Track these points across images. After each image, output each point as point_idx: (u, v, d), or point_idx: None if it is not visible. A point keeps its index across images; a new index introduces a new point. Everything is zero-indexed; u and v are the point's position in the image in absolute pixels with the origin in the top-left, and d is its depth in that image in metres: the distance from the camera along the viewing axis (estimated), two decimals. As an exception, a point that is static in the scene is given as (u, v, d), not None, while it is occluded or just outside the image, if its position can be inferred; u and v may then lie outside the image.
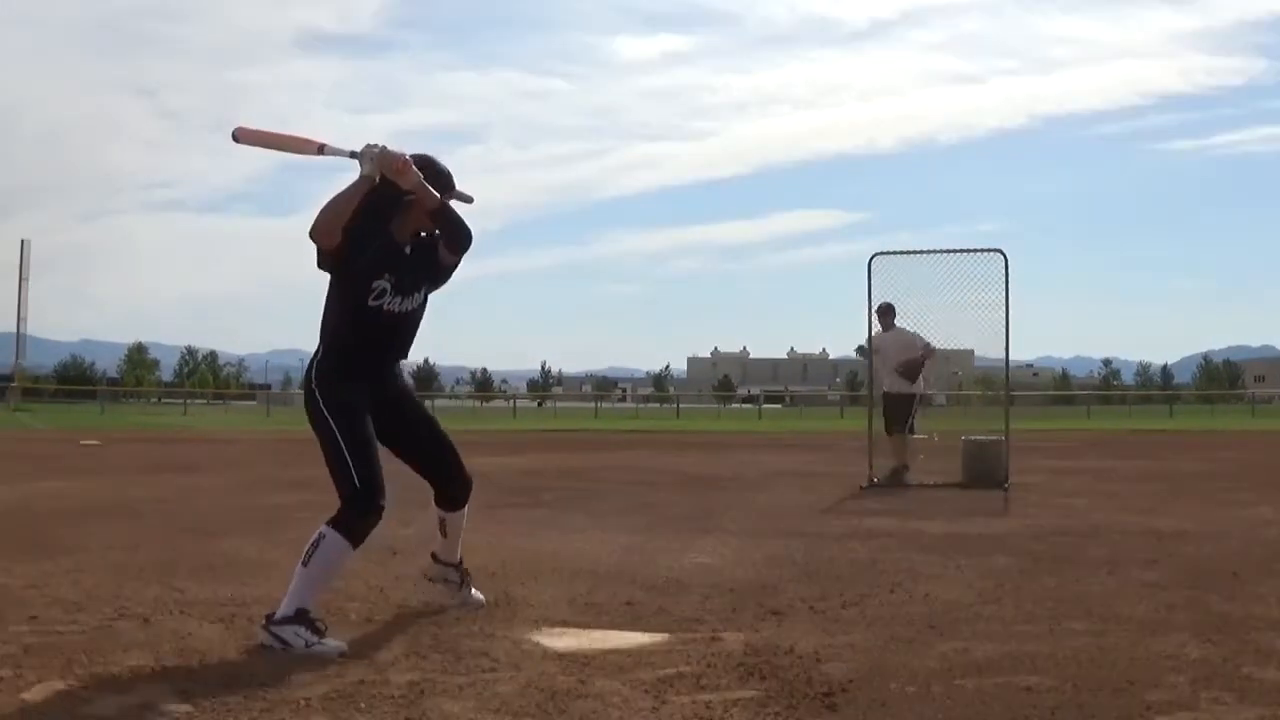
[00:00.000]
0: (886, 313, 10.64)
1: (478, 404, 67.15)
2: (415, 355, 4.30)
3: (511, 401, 61.95)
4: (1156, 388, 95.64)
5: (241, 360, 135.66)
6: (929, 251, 10.75)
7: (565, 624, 4.10)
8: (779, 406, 72.06)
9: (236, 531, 6.72)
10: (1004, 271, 10.12)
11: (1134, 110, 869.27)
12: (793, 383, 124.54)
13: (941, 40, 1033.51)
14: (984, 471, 10.09)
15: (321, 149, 3.75)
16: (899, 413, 10.57)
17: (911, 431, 10.66)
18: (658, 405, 77.55)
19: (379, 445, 3.90)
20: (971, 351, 15.84)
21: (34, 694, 3.12)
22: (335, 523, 3.73)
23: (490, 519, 7.34)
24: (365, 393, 3.90)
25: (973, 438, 10.58)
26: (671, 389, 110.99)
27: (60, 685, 3.20)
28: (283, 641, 3.60)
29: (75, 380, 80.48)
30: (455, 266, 4.04)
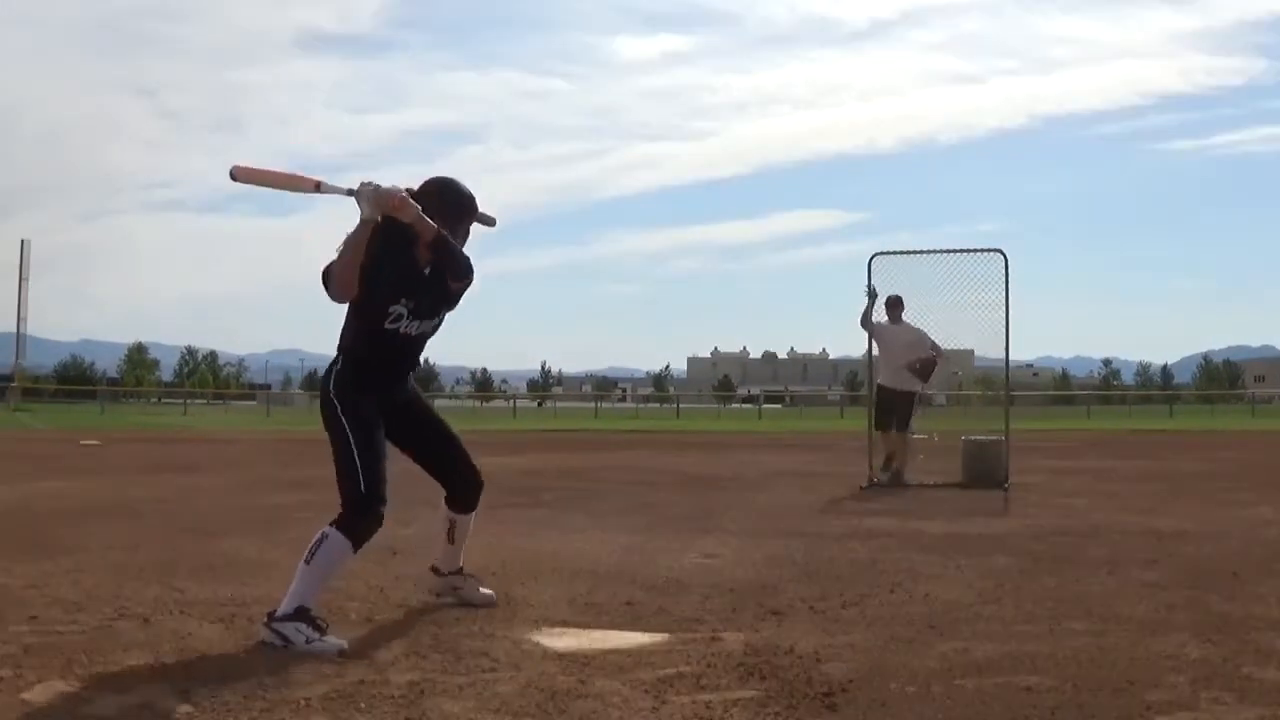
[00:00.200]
0: (895, 305, 10.55)
1: (478, 404, 67.15)
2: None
3: (511, 401, 61.96)
4: (1156, 388, 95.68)
5: (241, 360, 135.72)
6: (929, 251, 10.74)
7: (565, 624, 4.10)
8: (779, 406, 72.04)
9: (236, 531, 6.71)
10: (1004, 271, 10.11)
11: (1134, 110, 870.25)
12: (793, 383, 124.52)
13: (941, 40, 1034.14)
14: (984, 471, 10.08)
15: (318, 186, 3.77)
16: (896, 409, 10.50)
17: (909, 430, 10.63)
18: (658, 405, 77.58)
19: (390, 447, 3.98)
20: (971, 351, 15.81)
21: (34, 694, 3.12)
22: (339, 524, 3.76)
23: (490, 519, 7.32)
24: (377, 403, 3.97)
25: (973, 438, 10.57)
26: (671, 389, 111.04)
27: (60, 685, 3.20)
28: (284, 638, 3.61)
29: (75, 380, 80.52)
30: (462, 293, 4.04)
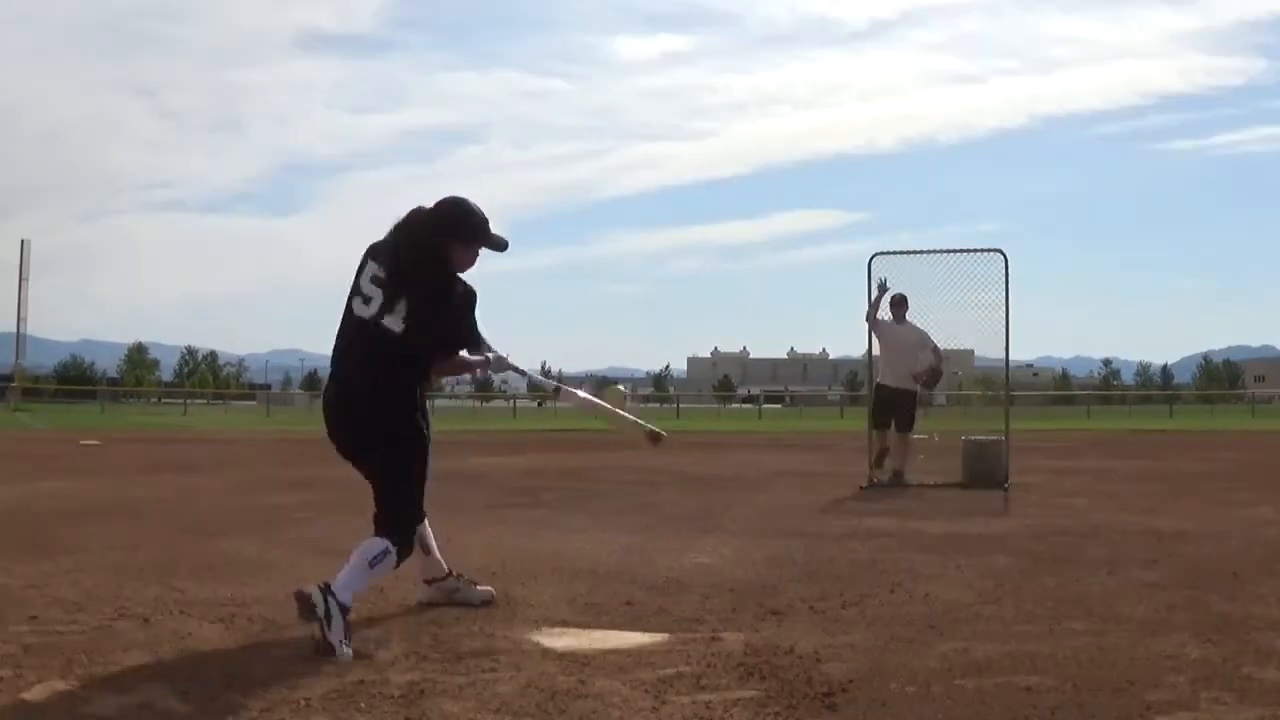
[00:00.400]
0: (900, 304, 10.54)
1: (478, 404, 67.09)
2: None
3: (511, 401, 61.92)
4: (1156, 388, 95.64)
5: (241, 360, 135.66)
6: (929, 251, 10.73)
7: (565, 624, 4.10)
8: (779, 406, 72.03)
9: (236, 531, 6.71)
10: (1004, 271, 10.10)
11: (1134, 110, 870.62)
12: (793, 383, 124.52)
13: (941, 40, 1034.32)
14: (984, 471, 10.07)
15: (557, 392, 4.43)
16: (896, 409, 10.49)
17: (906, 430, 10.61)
18: (658, 405, 77.52)
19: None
20: (971, 351, 15.83)
21: (34, 694, 3.12)
22: (398, 547, 3.88)
23: (490, 519, 7.34)
24: None
25: (973, 438, 10.56)
26: (671, 389, 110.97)
27: (60, 685, 3.20)
28: (328, 618, 3.54)
29: (75, 380, 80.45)
30: None
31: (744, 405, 73.38)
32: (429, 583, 4.41)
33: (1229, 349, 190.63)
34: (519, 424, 33.67)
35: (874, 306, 10.43)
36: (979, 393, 29.16)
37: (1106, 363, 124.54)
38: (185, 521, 7.31)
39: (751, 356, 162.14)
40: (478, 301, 4.08)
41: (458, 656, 3.58)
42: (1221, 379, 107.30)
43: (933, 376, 10.63)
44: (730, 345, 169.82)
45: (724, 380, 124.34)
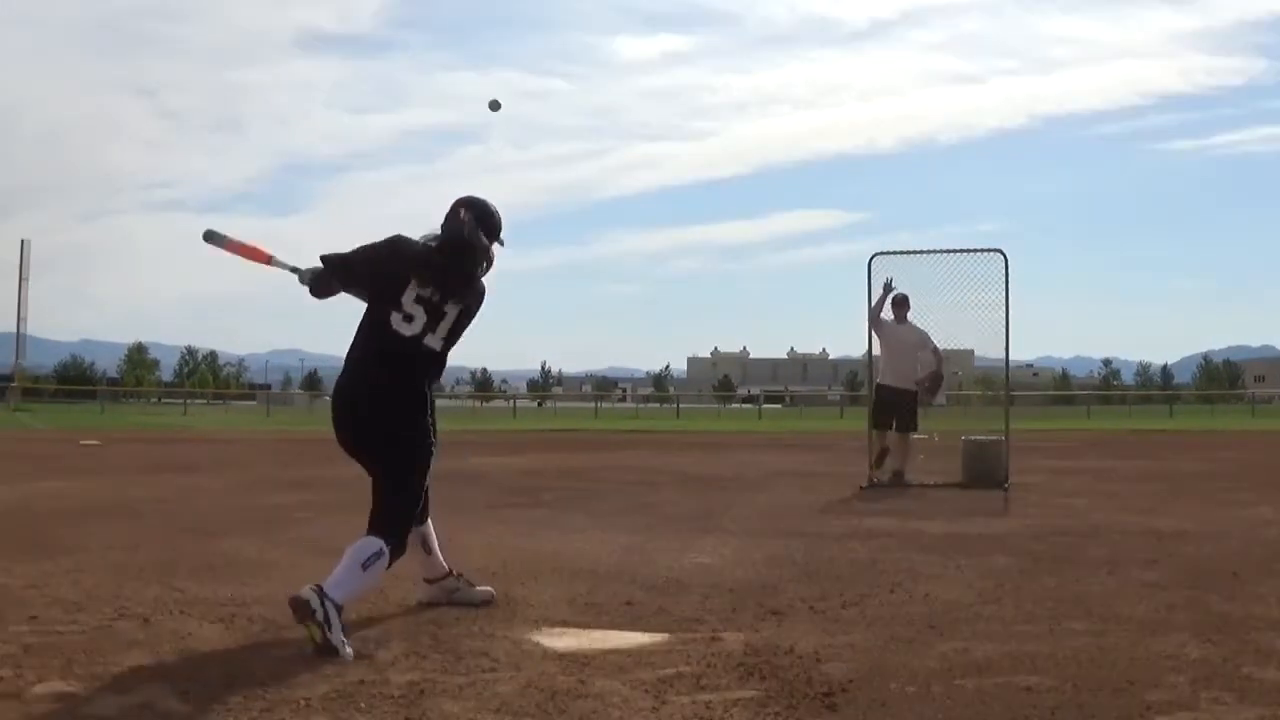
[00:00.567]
0: (902, 304, 10.54)
1: (478, 404, 67.05)
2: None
3: (511, 401, 61.91)
4: (1156, 388, 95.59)
5: (241, 360, 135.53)
6: (929, 251, 10.72)
7: (565, 624, 4.10)
8: (779, 406, 72.03)
9: (236, 531, 6.72)
10: (1004, 271, 10.10)
11: (1134, 110, 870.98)
12: (793, 383, 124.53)
13: (941, 40, 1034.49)
14: (984, 471, 10.07)
15: (269, 260, 4.22)
16: (897, 409, 10.49)
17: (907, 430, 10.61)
18: (658, 405, 77.56)
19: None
20: (971, 351, 15.82)
21: (34, 694, 3.12)
22: (393, 549, 3.88)
23: (490, 519, 7.34)
24: None
25: (973, 438, 10.56)
26: (671, 389, 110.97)
27: (60, 685, 3.20)
28: (327, 620, 3.54)
29: (75, 380, 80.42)
30: None
31: (744, 405, 73.36)
32: (429, 582, 4.41)
33: (1229, 349, 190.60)
34: (519, 424, 33.67)
35: (877, 307, 10.43)
36: (979, 393, 29.15)
37: (1106, 363, 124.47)
38: (185, 521, 7.31)
39: (751, 356, 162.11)
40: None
41: (458, 656, 3.58)
42: (1221, 379, 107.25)
43: (934, 382, 10.63)
44: (730, 345, 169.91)
45: (724, 380, 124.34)
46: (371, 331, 4.04)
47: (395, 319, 3.98)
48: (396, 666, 3.45)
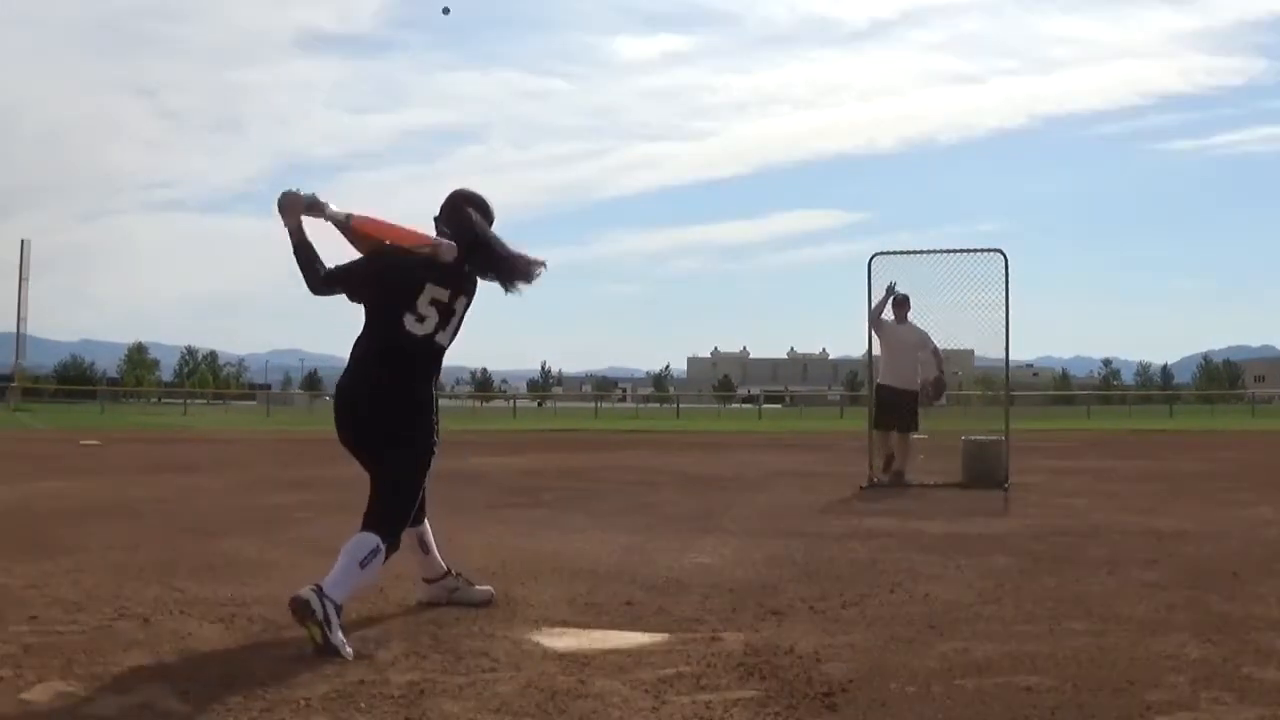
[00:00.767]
0: (902, 304, 10.54)
1: (478, 404, 67.07)
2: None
3: (511, 401, 61.93)
4: (1156, 388, 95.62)
5: (241, 360, 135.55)
6: (929, 251, 10.72)
7: (565, 624, 4.10)
8: (779, 407, 72.02)
9: (236, 531, 6.72)
10: (1004, 271, 10.10)
11: (1134, 110, 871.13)
12: (793, 383, 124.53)
13: (941, 40, 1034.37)
14: (984, 471, 10.07)
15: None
16: (898, 409, 10.49)
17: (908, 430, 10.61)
18: (658, 405, 77.57)
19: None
20: (971, 351, 15.80)
21: (34, 694, 3.12)
22: (389, 546, 3.89)
23: (490, 519, 7.34)
24: None
25: (973, 438, 10.56)
26: (671, 389, 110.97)
27: (60, 685, 3.20)
28: (327, 620, 3.54)
29: (75, 380, 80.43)
30: None
31: (744, 405, 73.36)
32: (428, 582, 4.42)
33: (1229, 349, 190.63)
34: (519, 424, 33.67)
35: (878, 308, 10.43)
36: (979, 393, 29.12)
37: (1106, 363, 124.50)
38: (185, 521, 7.31)
39: (751, 356, 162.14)
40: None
41: (458, 656, 3.58)
42: (1221, 379, 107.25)
43: (937, 388, 10.65)
44: (730, 345, 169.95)
45: (724, 380, 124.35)
46: (380, 331, 4.06)
47: (408, 319, 4.01)
48: (396, 666, 3.45)
